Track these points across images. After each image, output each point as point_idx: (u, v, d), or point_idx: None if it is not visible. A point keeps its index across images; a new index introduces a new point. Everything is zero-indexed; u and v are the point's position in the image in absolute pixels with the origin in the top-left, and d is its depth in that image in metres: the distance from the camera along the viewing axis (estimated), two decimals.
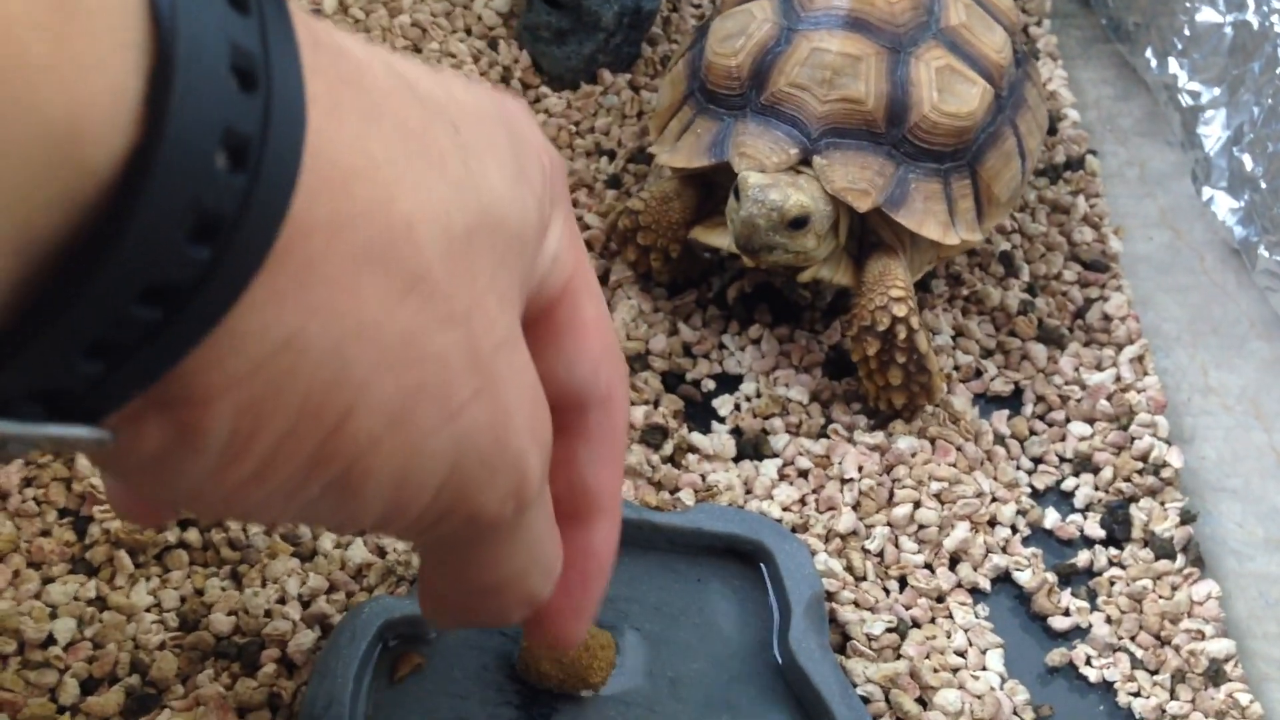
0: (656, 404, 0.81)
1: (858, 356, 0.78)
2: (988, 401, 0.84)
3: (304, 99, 0.33)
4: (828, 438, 0.80)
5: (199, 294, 0.31)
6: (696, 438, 0.79)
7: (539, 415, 0.42)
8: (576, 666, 0.64)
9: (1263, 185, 0.87)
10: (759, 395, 0.82)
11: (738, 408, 0.82)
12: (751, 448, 0.79)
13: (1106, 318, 0.88)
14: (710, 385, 0.83)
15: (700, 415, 0.82)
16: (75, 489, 0.71)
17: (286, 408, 0.35)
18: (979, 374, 0.85)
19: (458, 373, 0.38)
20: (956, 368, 0.85)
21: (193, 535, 0.71)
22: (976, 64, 0.79)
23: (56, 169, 0.28)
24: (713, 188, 0.82)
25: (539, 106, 0.98)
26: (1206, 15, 0.95)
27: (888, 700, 0.68)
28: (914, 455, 0.78)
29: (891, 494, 0.77)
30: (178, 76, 0.29)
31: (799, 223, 0.73)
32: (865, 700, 0.67)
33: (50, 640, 0.65)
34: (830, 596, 0.71)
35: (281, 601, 0.69)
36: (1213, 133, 0.95)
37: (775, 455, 0.79)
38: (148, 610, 0.68)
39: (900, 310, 0.76)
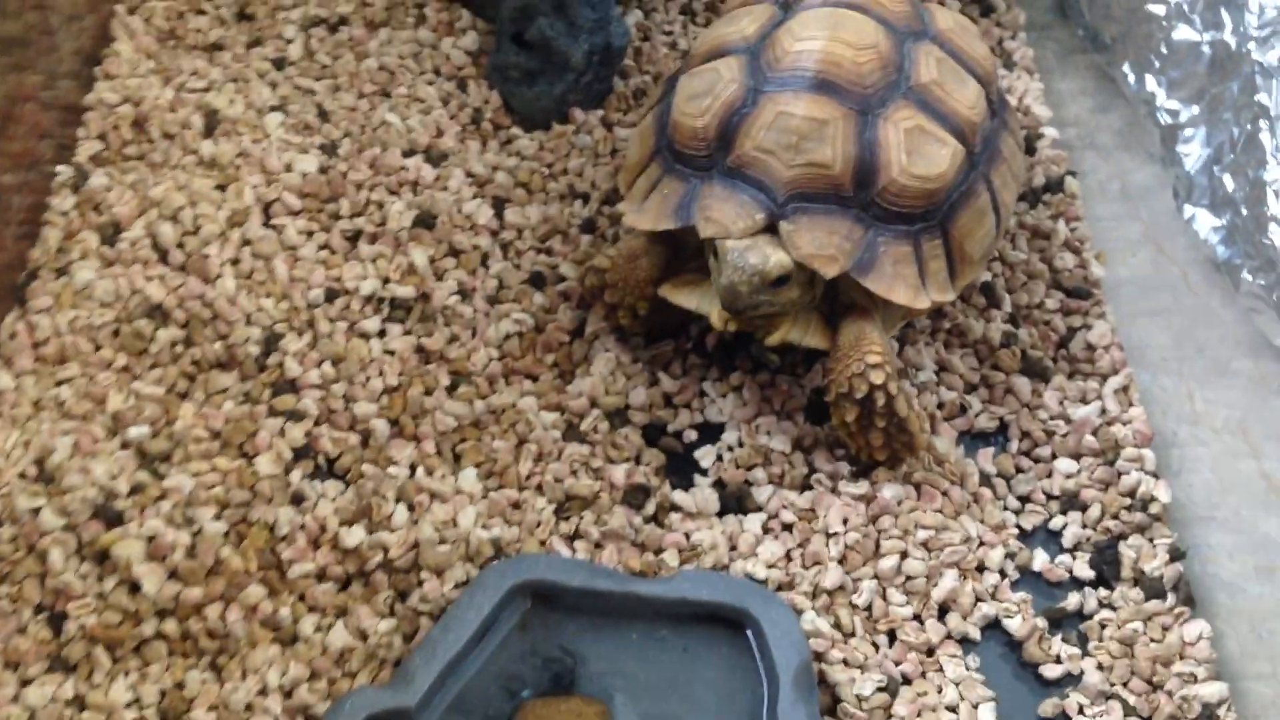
0: (638, 459, 0.80)
1: (837, 421, 0.77)
2: (972, 439, 0.83)
3: None
4: (811, 489, 0.79)
5: None
6: (679, 496, 0.78)
7: None
8: None
9: (1244, 211, 0.86)
10: (741, 445, 0.81)
11: (720, 459, 0.81)
12: (735, 501, 0.78)
13: (1090, 347, 0.87)
14: (692, 436, 0.82)
15: (682, 468, 0.81)
16: (49, 584, 0.70)
17: None
18: (963, 410, 0.84)
19: None
20: (940, 405, 0.84)
21: (170, 626, 0.70)
22: (947, 122, 0.78)
23: None
24: (682, 245, 0.80)
25: (510, 148, 0.97)
26: (1183, 33, 0.94)
27: None
28: (899, 503, 0.77)
29: (878, 545, 0.76)
30: None
31: (781, 280, 0.73)
32: None
33: None
34: (819, 656, 0.71)
35: (263, 693, 0.68)
36: (1192, 151, 0.94)
37: (759, 509, 0.78)
38: (127, 707, 0.67)
39: (877, 378, 0.75)
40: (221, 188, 0.91)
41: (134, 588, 0.71)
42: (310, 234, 0.90)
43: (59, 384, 0.79)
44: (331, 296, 0.86)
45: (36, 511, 0.72)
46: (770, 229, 0.75)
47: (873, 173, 0.75)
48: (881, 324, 0.77)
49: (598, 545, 0.75)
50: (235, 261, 0.87)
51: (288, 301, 0.85)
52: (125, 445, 0.77)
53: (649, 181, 0.81)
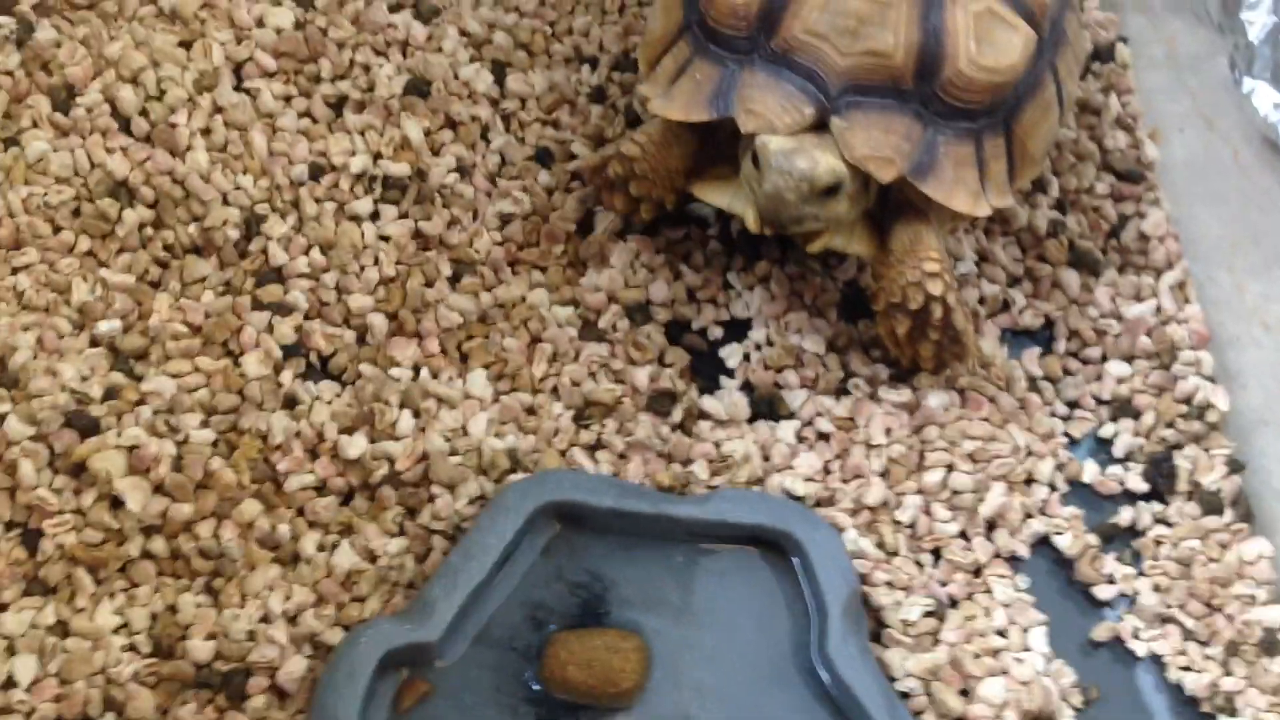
0: (662, 360, 0.74)
1: (885, 331, 0.71)
2: (1015, 336, 0.78)
3: None
4: (848, 394, 0.73)
5: None
6: (708, 402, 0.72)
7: None
8: (606, 670, 0.59)
9: None
10: (770, 344, 0.75)
11: (747, 358, 0.75)
12: (766, 406, 0.72)
13: (1144, 237, 0.81)
14: (717, 333, 0.76)
15: (708, 369, 0.74)
16: (20, 499, 0.63)
17: None
18: (1006, 306, 0.78)
19: None
20: (982, 300, 0.78)
21: (158, 545, 0.64)
22: (1018, 3, 0.68)
23: None
24: (712, 131, 0.72)
25: (507, 2, 0.87)
26: None
27: (929, 694, 0.63)
28: (945, 411, 0.72)
29: (922, 457, 0.71)
30: None
31: (831, 190, 0.65)
32: (905, 696, 0.63)
33: (10, 682, 0.59)
34: (862, 579, 0.66)
35: (265, 620, 0.62)
36: (1257, 19, 0.86)
37: (792, 415, 0.72)
38: (115, 632, 0.61)
39: (936, 288, 0.68)
40: (186, 45, 0.80)
41: (116, 503, 0.64)
42: (289, 100, 0.80)
43: (15, 271, 0.71)
44: (317, 173, 0.77)
45: (1, 419, 0.65)
46: (819, 126, 0.67)
47: (937, 63, 0.66)
48: (938, 226, 0.70)
49: (622, 457, 0.69)
50: (206, 132, 0.77)
51: (268, 179, 0.76)
52: (95, 342, 0.69)
53: (676, 62, 0.71)
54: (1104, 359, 0.76)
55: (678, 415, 0.71)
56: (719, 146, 0.71)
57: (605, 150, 0.73)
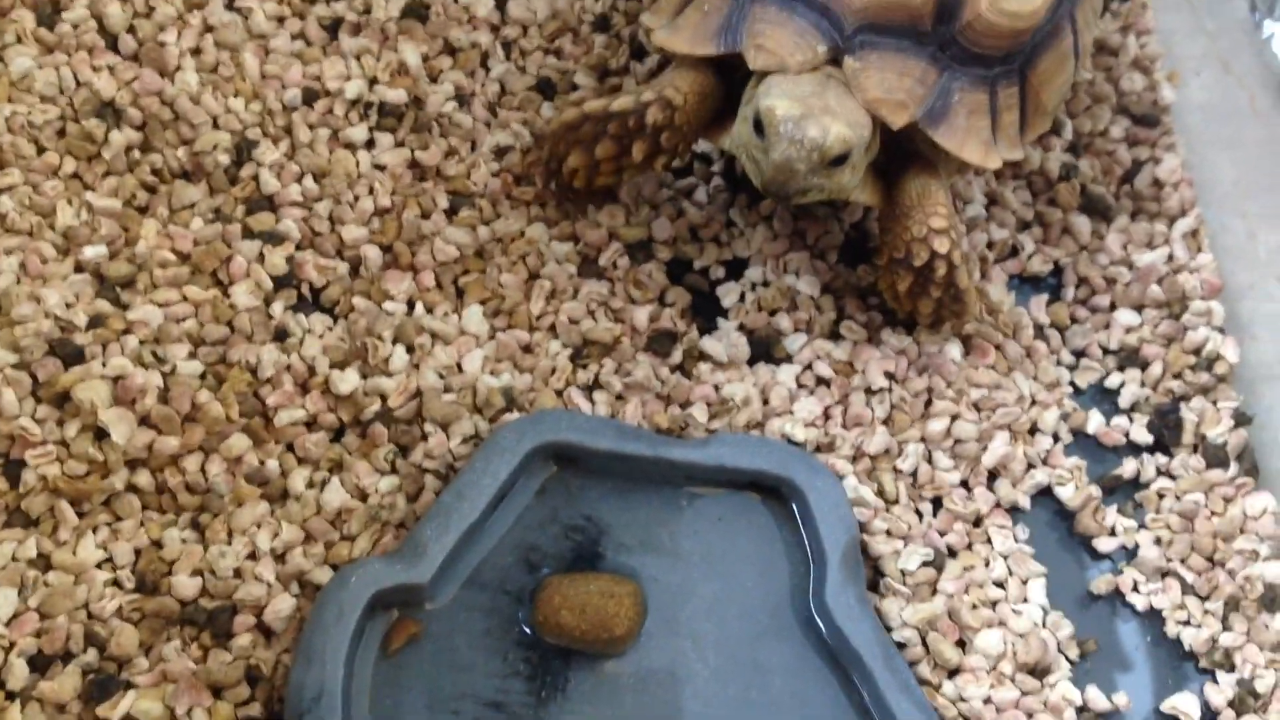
0: (663, 300, 0.72)
1: (885, 285, 0.69)
2: (1024, 282, 0.76)
3: None
4: (842, 337, 0.71)
5: None
6: (708, 343, 0.70)
7: None
8: (600, 616, 0.58)
9: None
10: (765, 284, 0.73)
11: (742, 299, 0.73)
12: (763, 348, 0.71)
13: (1158, 183, 0.79)
14: (719, 273, 0.74)
15: (706, 308, 0.73)
16: (2, 428, 0.62)
17: None
18: (1015, 251, 0.77)
19: None
20: (990, 245, 0.76)
21: (143, 478, 0.62)
22: None
23: None
24: (728, 74, 0.68)
25: None
26: None
27: (925, 645, 0.63)
28: (950, 359, 0.70)
29: (928, 405, 0.69)
30: None
31: (840, 159, 0.62)
32: (901, 646, 0.62)
33: None
34: (861, 527, 0.65)
35: (252, 557, 0.61)
36: None
37: (789, 358, 0.70)
38: (98, 567, 0.60)
39: (942, 245, 0.65)
40: None
41: (100, 435, 0.63)
42: (281, 21, 0.77)
43: None
44: (310, 98, 0.75)
45: None
46: (830, 65, 0.64)
47: (958, 5, 0.63)
48: (944, 176, 0.68)
49: (619, 398, 0.68)
50: (196, 52, 0.75)
51: (260, 103, 0.74)
52: (80, 268, 0.67)
53: None
54: (1113, 307, 0.75)
55: (677, 356, 0.70)
56: (731, 89, 0.68)
57: (624, 100, 0.67)
